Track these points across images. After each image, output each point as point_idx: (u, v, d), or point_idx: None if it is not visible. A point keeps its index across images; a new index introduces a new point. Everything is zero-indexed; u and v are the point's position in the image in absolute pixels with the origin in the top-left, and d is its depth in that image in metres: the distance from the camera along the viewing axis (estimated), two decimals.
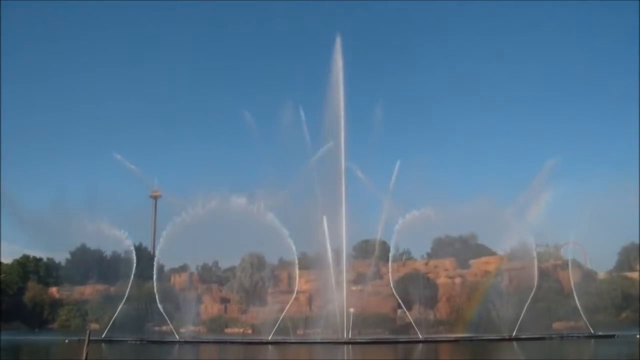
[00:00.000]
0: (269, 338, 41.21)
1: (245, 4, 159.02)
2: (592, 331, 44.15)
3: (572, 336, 44.55)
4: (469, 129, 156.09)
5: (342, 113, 44.87)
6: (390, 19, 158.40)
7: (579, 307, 44.53)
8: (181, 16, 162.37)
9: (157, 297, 43.67)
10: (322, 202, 44.60)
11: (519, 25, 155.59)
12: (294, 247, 41.92)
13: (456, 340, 42.93)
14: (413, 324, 43.54)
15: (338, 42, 46.37)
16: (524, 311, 44.99)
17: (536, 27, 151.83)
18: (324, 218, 42.52)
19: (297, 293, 65.87)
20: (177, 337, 44.11)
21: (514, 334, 42.39)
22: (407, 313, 45.59)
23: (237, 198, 42.81)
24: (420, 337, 41.96)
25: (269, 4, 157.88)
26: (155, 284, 44.72)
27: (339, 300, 42.64)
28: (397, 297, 46.07)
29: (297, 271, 42.14)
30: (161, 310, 44.44)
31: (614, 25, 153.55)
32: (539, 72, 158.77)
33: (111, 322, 45.36)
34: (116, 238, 46.56)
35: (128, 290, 45.32)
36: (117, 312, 44.75)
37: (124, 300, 45.19)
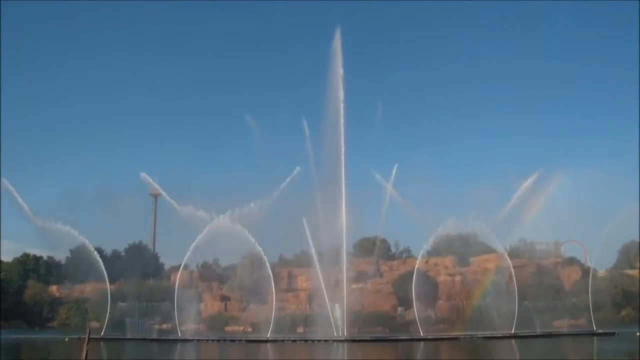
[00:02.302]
0: (269, 336, 41.27)
1: (244, 4, 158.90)
2: (594, 328, 44.21)
3: (572, 334, 44.60)
4: (469, 128, 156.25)
5: (341, 111, 44.69)
6: (390, 18, 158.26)
7: (591, 304, 44.61)
8: (181, 16, 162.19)
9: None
10: (322, 200, 44.46)
11: (519, 25, 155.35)
12: None
13: (456, 338, 42.93)
14: (420, 320, 43.41)
15: (337, 35, 46.14)
16: (523, 309, 45.10)
17: (536, 26, 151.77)
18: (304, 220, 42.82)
19: (297, 291, 66.16)
20: (178, 334, 44.14)
21: (513, 331, 42.40)
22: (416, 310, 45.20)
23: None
24: (422, 334, 41.97)
25: (269, 3, 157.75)
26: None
27: (339, 298, 42.61)
28: (397, 295, 46.01)
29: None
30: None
31: (614, 25, 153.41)
32: (539, 71, 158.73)
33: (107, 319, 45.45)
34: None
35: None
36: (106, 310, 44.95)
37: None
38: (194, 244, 43.74)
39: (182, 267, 48.04)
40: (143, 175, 49.97)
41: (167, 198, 49.05)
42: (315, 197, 45.16)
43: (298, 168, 46.01)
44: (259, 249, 42.98)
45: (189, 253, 45.18)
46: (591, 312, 45.95)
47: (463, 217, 45.30)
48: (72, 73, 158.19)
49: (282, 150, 48.72)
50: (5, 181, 46.75)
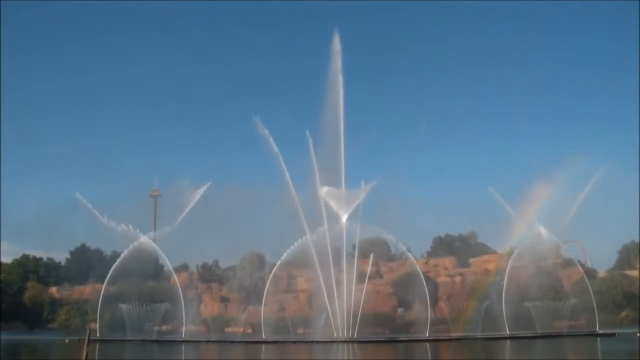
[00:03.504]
0: (264, 336, 41.33)
1: (244, 4, 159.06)
2: (597, 328, 44.25)
3: (573, 334, 44.58)
4: (469, 130, 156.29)
5: (341, 113, 44.65)
6: (390, 19, 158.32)
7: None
8: (181, 17, 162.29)
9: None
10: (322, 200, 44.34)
11: (519, 26, 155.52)
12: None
13: (457, 339, 42.92)
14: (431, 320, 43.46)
15: (336, 38, 46.02)
16: (523, 310, 45.14)
17: (536, 27, 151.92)
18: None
19: (297, 292, 66.11)
20: (182, 336, 44.15)
21: (514, 332, 42.37)
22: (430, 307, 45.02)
23: None
24: (427, 335, 42.05)
25: (269, 4, 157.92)
26: None
27: (339, 299, 42.57)
28: (396, 296, 46.05)
29: None
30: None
31: (614, 26, 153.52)
32: (540, 72, 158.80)
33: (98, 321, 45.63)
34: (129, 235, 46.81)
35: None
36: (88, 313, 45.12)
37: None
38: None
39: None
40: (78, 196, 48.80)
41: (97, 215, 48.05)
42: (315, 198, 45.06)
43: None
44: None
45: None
46: (596, 313, 45.94)
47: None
48: (74, 74, 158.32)
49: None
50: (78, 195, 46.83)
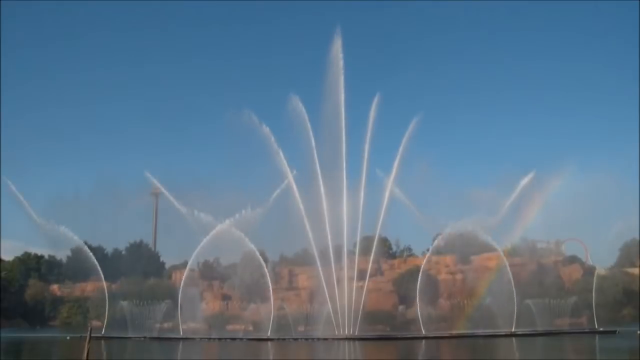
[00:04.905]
0: (269, 334, 41.35)
1: (244, 3, 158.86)
2: (597, 326, 44.30)
3: (574, 332, 44.59)
4: (469, 129, 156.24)
5: (342, 111, 44.52)
6: (391, 18, 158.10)
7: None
8: (181, 16, 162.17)
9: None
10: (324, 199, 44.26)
11: (519, 25, 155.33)
12: None
13: (458, 337, 42.93)
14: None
15: (338, 41, 45.74)
16: (524, 308, 45.13)
17: (536, 26, 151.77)
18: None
19: (297, 290, 66.09)
20: (181, 333, 44.20)
21: (514, 330, 42.39)
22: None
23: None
24: (423, 333, 42.06)
25: (269, 3, 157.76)
26: None
27: (340, 296, 42.61)
28: (397, 293, 46.11)
29: None
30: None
31: (614, 26, 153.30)
32: (540, 71, 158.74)
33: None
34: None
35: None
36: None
37: None
38: (197, 248, 44.38)
39: (187, 269, 48.01)
40: (147, 174, 50.31)
41: (173, 201, 48.89)
42: (316, 197, 44.97)
43: (286, 181, 44.94)
44: (258, 255, 44.37)
45: (193, 257, 45.94)
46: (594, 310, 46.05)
47: (462, 221, 45.18)
48: (72, 73, 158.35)
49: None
50: (9, 183, 46.89)
